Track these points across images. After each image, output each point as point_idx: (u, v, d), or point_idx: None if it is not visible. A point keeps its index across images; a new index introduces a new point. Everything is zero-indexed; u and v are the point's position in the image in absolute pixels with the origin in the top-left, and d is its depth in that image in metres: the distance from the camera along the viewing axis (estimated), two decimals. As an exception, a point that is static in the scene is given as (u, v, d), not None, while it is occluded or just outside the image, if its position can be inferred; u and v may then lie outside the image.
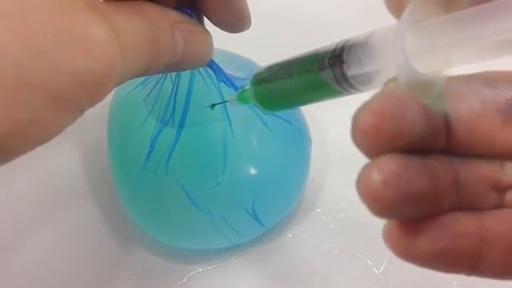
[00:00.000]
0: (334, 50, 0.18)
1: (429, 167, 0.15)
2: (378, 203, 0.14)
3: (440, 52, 0.15)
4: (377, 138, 0.14)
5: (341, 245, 0.35)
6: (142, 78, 0.32)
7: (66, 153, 0.38)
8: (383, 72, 0.16)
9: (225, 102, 0.28)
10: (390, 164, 0.14)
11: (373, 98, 0.15)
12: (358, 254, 0.34)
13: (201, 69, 0.27)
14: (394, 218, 0.15)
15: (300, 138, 0.34)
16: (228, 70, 0.28)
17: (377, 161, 0.14)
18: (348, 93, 0.18)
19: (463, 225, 0.15)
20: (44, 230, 0.35)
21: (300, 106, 0.22)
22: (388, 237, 0.15)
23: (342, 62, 0.17)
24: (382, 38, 0.16)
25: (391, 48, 0.15)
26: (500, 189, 0.16)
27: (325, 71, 0.18)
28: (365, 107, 0.14)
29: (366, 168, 0.14)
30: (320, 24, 0.42)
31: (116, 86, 0.18)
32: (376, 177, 0.14)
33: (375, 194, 0.14)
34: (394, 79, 0.15)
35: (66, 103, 0.17)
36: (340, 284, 0.34)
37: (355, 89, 0.18)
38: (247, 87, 0.23)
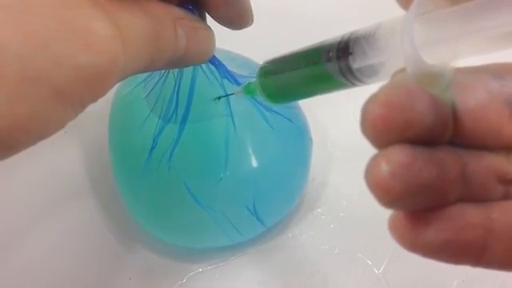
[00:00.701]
0: (340, 43, 0.18)
1: (437, 158, 0.15)
2: (387, 194, 0.14)
3: (448, 43, 0.15)
4: (385, 128, 0.14)
5: (341, 245, 0.35)
6: (144, 76, 0.32)
7: (66, 151, 0.38)
8: (389, 64, 0.16)
9: (230, 94, 0.28)
10: (399, 155, 0.14)
11: (381, 89, 0.15)
12: (358, 254, 0.34)
13: (203, 65, 0.27)
14: (401, 209, 0.15)
15: (301, 137, 0.34)
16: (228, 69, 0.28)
17: (385, 152, 0.14)
18: (353, 85, 0.18)
19: (469, 216, 0.15)
20: (45, 228, 0.35)
21: (306, 97, 0.22)
22: (394, 228, 0.15)
23: (348, 54, 0.17)
24: (388, 30, 0.16)
25: (399, 38, 0.15)
26: (507, 181, 0.16)
27: (330, 64, 0.18)
28: (373, 98, 0.14)
29: (374, 159, 0.14)
30: (321, 22, 0.42)
31: (118, 81, 0.18)
32: (384, 168, 0.14)
33: (383, 184, 0.14)
34: (402, 70, 0.15)
35: (67, 97, 0.17)
36: (340, 284, 0.34)
37: (360, 81, 0.18)
38: (253, 80, 0.23)
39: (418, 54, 0.14)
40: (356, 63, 0.17)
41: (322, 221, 0.36)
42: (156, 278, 0.34)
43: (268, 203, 0.32)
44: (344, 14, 0.43)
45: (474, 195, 0.15)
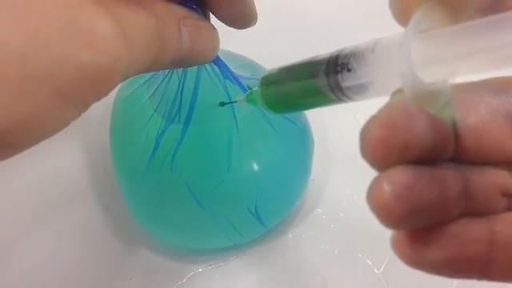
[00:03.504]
0: (329, 60, 0.18)
1: (439, 177, 0.14)
2: (390, 216, 0.14)
3: (446, 62, 0.14)
4: (385, 151, 0.14)
5: (341, 245, 0.35)
6: (147, 76, 0.32)
7: (67, 152, 0.38)
8: (378, 82, 0.16)
9: (233, 102, 0.28)
10: (400, 176, 0.14)
11: (380, 111, 0.14)
12: (358, 254, 0.34)
13: (207, 65, 0.27)
14: (404, 229, 0.15)
15: (303, 139, 0.33)
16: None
17: (387, 173, 0.14)
18: (343, 101, 0.18)
19: (472, 231, 0.15)
20: (46, 228, 0.35)
21: (303, 110, 0.22)
22: (397, 246, 0.15)
23: (337, 72, 0.17)
24: (380, 49, 0.16)
25: (396, 57, 0.15)
26: (510, 195, 0.16)
27: (320, 80, 0.18)
28: (372, 120, 0.14)
29: (375, 181, 0.14)
30: (324, 24, 0.42)
31: (122, 80, 0.18)
32: (386, 189, 0.14)
33: (386, 206, 0.14)
34: (401, 90, 0.15)
35: (70, 97, 0.17)
36: (340, 284, 0.34)
37: (349, 98, 0.18)
38: (256, 88, 0.23)
39: (415, 74, 0.14)
40: (345, 81, 0.17)
41: (322, 221, 0.36)
42: (156, 278, 0.34)
43: (270, 205, 0.32)
44: (346, 16, 0.43)
45: (477, 210, 0.15)
